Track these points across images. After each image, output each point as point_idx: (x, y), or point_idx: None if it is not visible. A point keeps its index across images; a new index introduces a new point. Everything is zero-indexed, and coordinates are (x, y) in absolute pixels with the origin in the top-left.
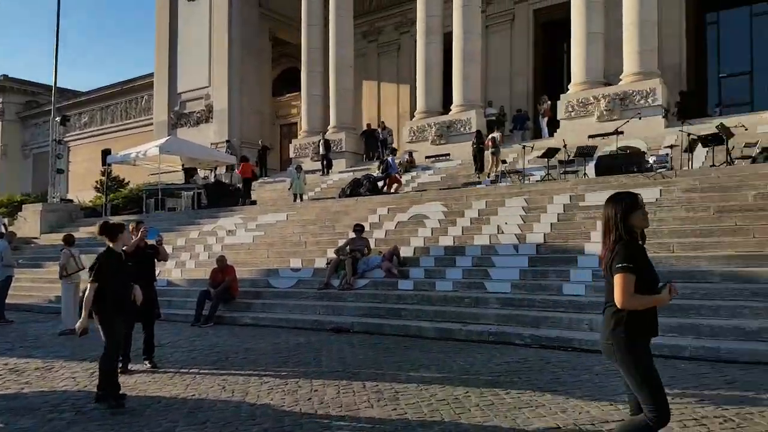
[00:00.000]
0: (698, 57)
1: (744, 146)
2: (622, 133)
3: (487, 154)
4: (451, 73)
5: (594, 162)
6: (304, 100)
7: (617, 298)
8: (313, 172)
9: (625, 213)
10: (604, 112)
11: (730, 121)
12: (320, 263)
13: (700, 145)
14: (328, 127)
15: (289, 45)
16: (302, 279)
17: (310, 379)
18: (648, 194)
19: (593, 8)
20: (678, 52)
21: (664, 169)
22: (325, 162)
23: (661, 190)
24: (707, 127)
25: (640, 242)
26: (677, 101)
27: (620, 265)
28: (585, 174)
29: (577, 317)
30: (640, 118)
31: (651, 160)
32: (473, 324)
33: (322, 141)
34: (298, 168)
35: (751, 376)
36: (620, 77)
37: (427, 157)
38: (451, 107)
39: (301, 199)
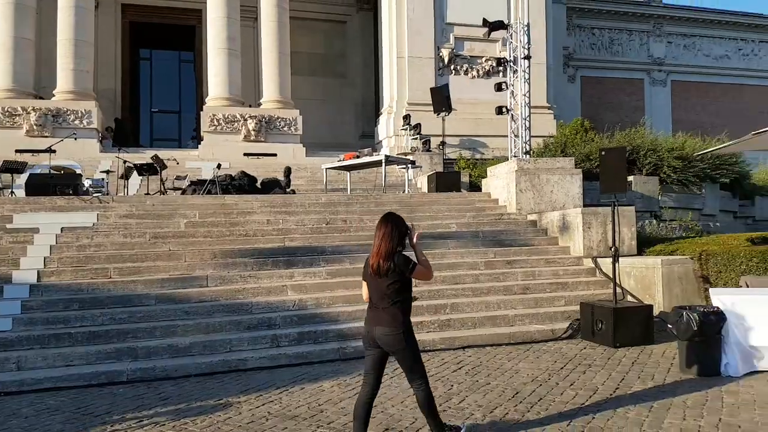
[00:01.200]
0: (133, 88)
1: (176, 178)
2: (54, 151)
3: None
4: None
5: (24, 180)
6: None
7: (431, 275)
8: None
9: (404, 230)
10: (35, 127)
11: (163, 154)
12: None
13: (135, 173)
14: None
15: None
16: None
17: None
18: (84, 218)
19: (24, 12)
20: (114, 80)
21: (100, 194)
22: None
23: (98, 214)
24: (142, 156)
25: None
26: (112, 128)
27: (412, 264)
28: (13, 192)
29: (3, 356)
30: (75, 139)
31: (87, 183)
32: None
33: None
34: None
35: (183, 390)
36: (54, 92)
37: None
38: None
39: None
